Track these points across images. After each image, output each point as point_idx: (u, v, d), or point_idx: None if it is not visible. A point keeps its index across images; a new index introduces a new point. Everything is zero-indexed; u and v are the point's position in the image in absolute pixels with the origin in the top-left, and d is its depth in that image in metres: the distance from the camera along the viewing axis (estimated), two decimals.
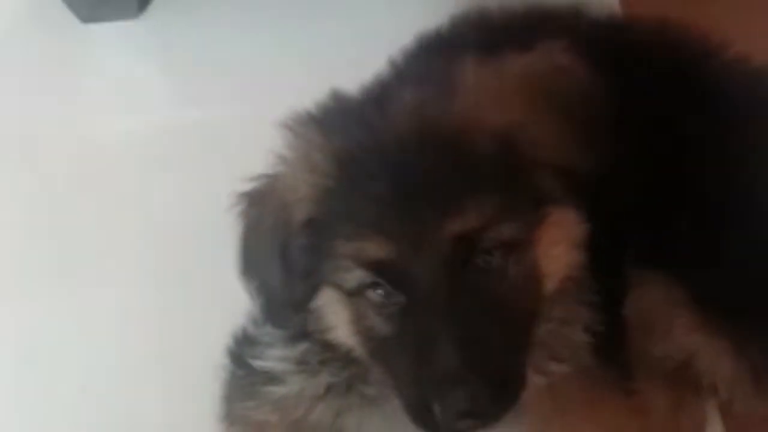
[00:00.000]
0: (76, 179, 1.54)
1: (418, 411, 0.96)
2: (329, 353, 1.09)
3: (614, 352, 1.12)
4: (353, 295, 0.99)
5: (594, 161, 0.96)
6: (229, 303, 1.17)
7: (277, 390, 1.12)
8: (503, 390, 0.95)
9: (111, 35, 1.73)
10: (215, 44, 1.69)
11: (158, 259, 1.43)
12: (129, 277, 1.41)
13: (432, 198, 0.92)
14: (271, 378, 1.12)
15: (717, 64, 1.21)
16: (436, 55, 1.17)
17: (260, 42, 1.67)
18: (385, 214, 0.93)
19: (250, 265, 1.05)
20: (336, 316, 1.02)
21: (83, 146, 1.58)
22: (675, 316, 1.11)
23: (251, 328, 1.16)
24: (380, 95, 1.05)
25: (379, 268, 0.95)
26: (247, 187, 1.05)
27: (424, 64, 1.17)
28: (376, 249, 0.94)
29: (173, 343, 1.32)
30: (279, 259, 1.00)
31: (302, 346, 1.11)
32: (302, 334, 1.09)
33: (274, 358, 1.12)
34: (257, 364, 1.13)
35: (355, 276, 0.97)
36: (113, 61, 1.72)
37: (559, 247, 1.00)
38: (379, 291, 0.97)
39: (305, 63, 1.61)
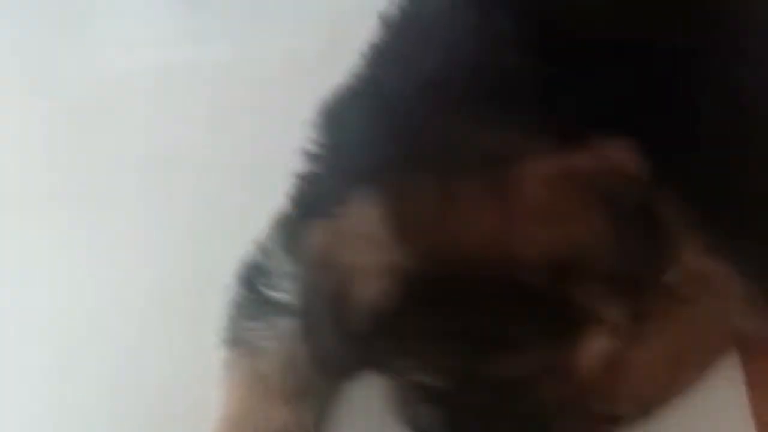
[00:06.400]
0: (84, 114, 1.56)
1: None
2: None
3: None
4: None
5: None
6: (237, 239, 1.21)
7: (284, 321, 1.12)
8: None
9: None
10: None
11: (163, 196, 1.44)
12: (132, 213, 1.43)
13: (487, 338, 0.90)
14: (280, 308, 1.13)
15: None
16: None
17: None
18: (446, 350, 0.92)
19: (306, 315, 1.03)
20: None
21: (93, 81, 1.60)
22: (686, 239, 1.08)
23: (260, 258, 1.17)
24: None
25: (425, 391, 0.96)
26: (313, 238, 1.00)
27: None
28: (428, 380, 0.95)
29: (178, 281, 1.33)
30: (333, 326, 0.96)
31: None
32: None
33: (286, 290, 1.12)
34: (267, 292, 1.14)
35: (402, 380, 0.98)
36: None
37: None
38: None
39: None
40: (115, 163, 1.48)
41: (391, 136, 1.01)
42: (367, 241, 0.92)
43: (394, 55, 1.15)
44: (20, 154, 1.54)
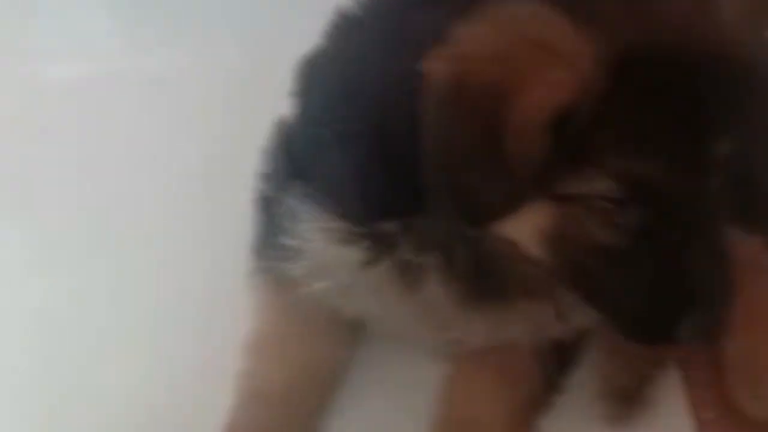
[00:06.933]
0: (21, 125, 1.50)
1: (646, 324, 0.93)
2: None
3: None
4: (567, 201, 0.90)
5: None
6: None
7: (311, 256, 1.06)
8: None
9: None
10: None
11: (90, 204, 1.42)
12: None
13: (707, 117, 0.87)
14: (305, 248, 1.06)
15: None
16: None
17: None
18: (665, 133, 0.86)
19: (443, 162, 0.89)
20: (531, 226, 0.93)
21: (30, 92, 1.54)
22: None
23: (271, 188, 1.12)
24: None
25: (638, 183, 0.88)
26: (439, 67, 0.87)
27: None
28: (649, 168, 0.87)
29: None
30: (488, 161, 0.87)
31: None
32: None
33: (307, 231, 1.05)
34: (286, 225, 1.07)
35: (600, 186, 0.88)
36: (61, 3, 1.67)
37: None
38: (609, 202, 0.90)
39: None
40: (43, 173, 1.45)
41: None
42: (535, 45, 0.84)
43: None
44: None
